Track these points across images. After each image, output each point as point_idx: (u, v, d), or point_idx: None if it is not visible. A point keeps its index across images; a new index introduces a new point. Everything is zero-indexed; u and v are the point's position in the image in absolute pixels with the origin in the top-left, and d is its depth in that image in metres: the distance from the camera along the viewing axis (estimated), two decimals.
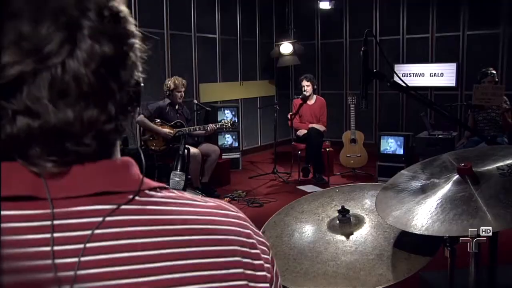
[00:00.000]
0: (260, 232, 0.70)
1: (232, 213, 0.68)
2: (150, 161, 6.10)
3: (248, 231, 0.67)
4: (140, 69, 0.63)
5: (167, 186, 0.65)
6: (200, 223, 0.62)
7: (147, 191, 0.62)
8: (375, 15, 9.46)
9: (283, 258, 1.69)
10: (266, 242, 0.70)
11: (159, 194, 0.63)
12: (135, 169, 0.63)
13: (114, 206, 0.57)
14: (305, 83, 7.26)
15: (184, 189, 3.03)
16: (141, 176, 0.63)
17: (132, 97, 0.60)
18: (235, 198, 6.28)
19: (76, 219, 0.55)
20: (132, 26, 0.60)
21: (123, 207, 0.58)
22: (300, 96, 7.32)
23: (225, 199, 6.16)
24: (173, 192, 0.65)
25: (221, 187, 6.82)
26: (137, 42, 0.60)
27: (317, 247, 1.70)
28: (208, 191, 6.02)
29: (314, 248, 1.70)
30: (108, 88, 0.55)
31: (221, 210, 0.66)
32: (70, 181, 0.56)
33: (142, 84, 0.63)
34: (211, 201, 0.67)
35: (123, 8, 0.59)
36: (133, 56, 0.59)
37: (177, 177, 2.97)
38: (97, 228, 0.56)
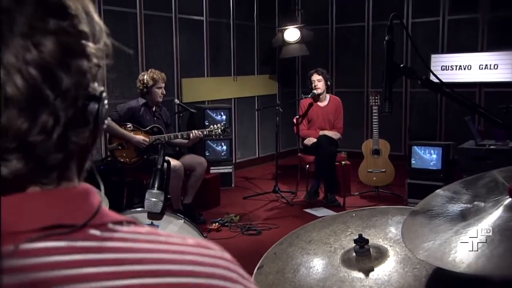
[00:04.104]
0: (249, 277, 0.71)
1: (216, 252, 0.69)
2: (118, 176, 6.09)
3: (234, 274, 0.68)
4: (99, 80, 0.65)
5: (135, 221, 0.66)
6: (176, 263, 0.63)
7: (110, 225, 0.63)
8: None
9: None
10: None
11: (125, 229, 0.64)
12: (96, 199, 0.64)
13: (67, 243, 0.58)
14: (315, 77, 7.28)
15: (162, 212, 3.03)
16: (102, 206, 0.64)
17: (84, 112, 0.62)
18: (226, 224, 6.27)
19: (20, 260, 0.55)
20: (85, 26, 0.62)
21: (78, 244, 0.58)
22: (309, 95, 7.35)
23: (214, 224, 6.16)
24: (143, 227, 0.66)
25: (209, 210, 6.82)
26: (90, 46, 0.62)
27: (329, 286, 1.70)
28: (192, 215, 6.01)
29: (325, 287, 1.70)
30: (41, 95, 0.57)
31: (202, 249, 0.68)
32: (12, 212, 0.57)
33: (104, 98, 0.65)
34: (191, 239, 0.69)
35: (76, 4, 0.61)
36: (82, 62, 0.61)
37: (153, 197, 2.97)
38: (46, 269, 0.55)
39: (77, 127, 0.61)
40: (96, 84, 0.64)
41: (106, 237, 0.61)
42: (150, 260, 0.61)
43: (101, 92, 0.65)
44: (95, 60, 0.63)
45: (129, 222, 0.65)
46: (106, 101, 0.66)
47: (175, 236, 0.67)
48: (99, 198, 0.65)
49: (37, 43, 0.56)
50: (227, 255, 0.70)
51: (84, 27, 0.61)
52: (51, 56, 0.57)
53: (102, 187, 0.70)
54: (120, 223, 0.64)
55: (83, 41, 0.61)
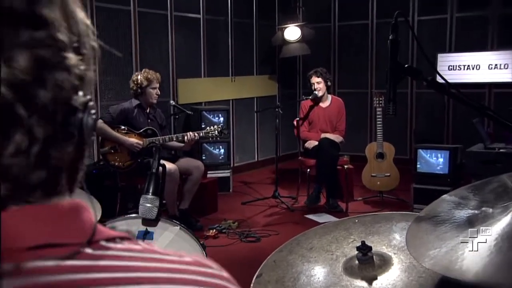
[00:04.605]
0: None
1: (214, 272, 0.69)
2: (111, 181, 6.08)
3: None
4: (85, 88, 0.63)
5: (130, 236, 0.66)
6: (173, 283, 0.63)
7: (103, 242, 0.62)
8: None
9: None
10: None
11: (119, 246, 0.63)
12: (87, 214, 0.64)
13: (57, 262, 0.57)
14: (315, 79, 7.29)
15: (157, 218, 3.03)
16: (94, 223, 0.63)
17: (65, 126, 0.60)
18: (224, 230, 6.27)
19: (8, 281, 0.54)
20: (63, 34, 0.59)
21: (69, 263, 0.58)
22: (310, 97, 7.35)
23: (211, 231, 6.16)
24: (138, 244, 0.65)
25: (206, 216, 6.82)
26: (70, 57, 0.60)
27: None
28: (188, 221, 6.00)
29: None
30: (14, 114, 0.55)
31: (200, 267, 0.67)
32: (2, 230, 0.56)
33: (90, 108, 0.63)
34: (188, 257, 0.68)
35: (53, 9, 0.58)
36: (60, 75, 0.59)
37: (148, 202, 2.98)
38: None
39: (58, 142, 0.59)
40: (80, 94, 0.61)
41: (98, 256, 0.60)
42: (146, 280, 0.61)
43: (86, 103, 0.62)
44: (76, 71, 0.61)
45: (123, 238, 0.65)
46: (93, 111, 0.63)
47: (172, 253, 0.67)
48: (92, 214, 0.64)
49: (7, 58, 0.54)
50: (225, 274, 0.70)
51: (63, 36, 0.59)
52: (24, 72, 0.54)
53: (93, 200, 0.69)
54: (113, 239, 0.63)
55: (62, 53, 0.59)
